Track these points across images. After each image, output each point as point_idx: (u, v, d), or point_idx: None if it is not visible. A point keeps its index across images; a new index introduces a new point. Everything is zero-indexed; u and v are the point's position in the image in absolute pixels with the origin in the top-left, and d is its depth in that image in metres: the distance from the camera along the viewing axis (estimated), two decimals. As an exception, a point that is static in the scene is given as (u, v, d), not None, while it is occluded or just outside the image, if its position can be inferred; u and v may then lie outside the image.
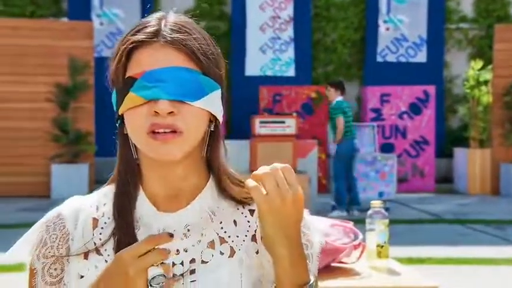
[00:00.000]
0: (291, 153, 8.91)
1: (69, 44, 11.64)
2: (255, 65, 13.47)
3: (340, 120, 9.15)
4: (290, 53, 13.66)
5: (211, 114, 1.12)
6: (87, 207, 1.17)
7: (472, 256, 6.86)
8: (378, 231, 2.43)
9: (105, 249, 1.13)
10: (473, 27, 14.44)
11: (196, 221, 1.13)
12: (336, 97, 9.38)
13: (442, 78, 14.09)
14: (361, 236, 2.39)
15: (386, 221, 2.46)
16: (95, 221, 1.15)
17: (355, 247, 2.35)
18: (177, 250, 1.12)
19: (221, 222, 1.14)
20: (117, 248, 1.10)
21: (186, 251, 1.11)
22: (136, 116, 1.08)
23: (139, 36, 1.10)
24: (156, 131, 1.07)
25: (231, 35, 13.56)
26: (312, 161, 10.09)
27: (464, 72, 13.31)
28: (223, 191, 1.15)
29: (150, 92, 1.07)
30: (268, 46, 13.59)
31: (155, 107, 1.06)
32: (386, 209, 10.00)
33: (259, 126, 9.01)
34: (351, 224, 2.42)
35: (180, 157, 1.09)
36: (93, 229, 1.14)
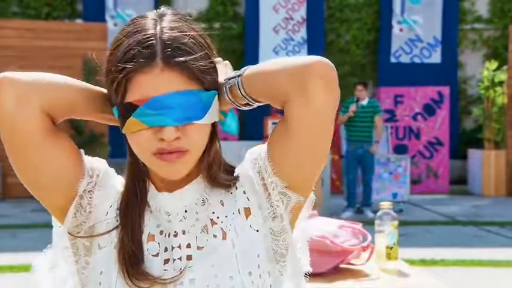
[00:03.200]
0: (303, 155, 8.89)
1: (83, 45, 11.71)
2: (268, 66, 13.47)
3: (381, 119, 9.41)
4: (303, 54, 13.63)
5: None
6: (118, 188, 1.20)
7: (486, 258, 6.81)
8: (387, 232, 2.42)
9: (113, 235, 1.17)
10: (488, 27, 14.35)
11: (192, 203, 1.15)
12: (366, 96, 9.42)
13: (457, 79, 14.02)
14: (369, 238, 2.38)
15: (396, 222, 2.45)
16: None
17: (364, 249, 2.35)
18: (176, 232, 1.14)
19: (211, 207, 1.16)
20: (120, 246, 1.13)
21: (184, 234, 1.14)
22: (140, 139, 1.08)
23: (135, 63, 1.06)
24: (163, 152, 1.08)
25: (245, 36, 13.58)
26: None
27: (479, 73, 13.23)
28: (212, 180, 1.16)
29: (154, 118, 1.06)
30: (281, 47, 13.58)
31: (161, 135, 1.06)
32: (400, 211, 9.89)
33: (272, 127, 9.00)
34: (359, 226, 2.41)
35: (185, 174, 1.12)
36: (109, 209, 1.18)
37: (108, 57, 1.11)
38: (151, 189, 1.16)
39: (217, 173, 1.16)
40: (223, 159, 1.19)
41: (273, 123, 9.07)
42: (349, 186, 9.45)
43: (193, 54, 1.07)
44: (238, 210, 1.16)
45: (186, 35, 1.08)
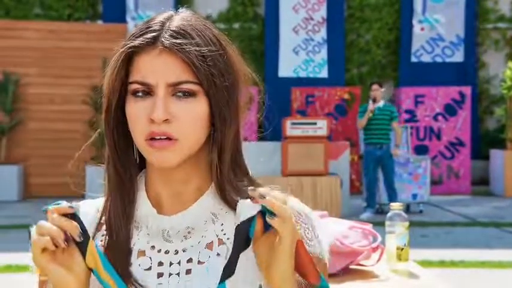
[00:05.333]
0: (322, 155, 8.86)
1: (104, 46, 11.80)
2: (288, 66, 13.46)
3: (398, 123, 9.51)
4: (323, 54, 13.61)
5: (212, 117, 1.11)
6: (93, 211, 1.18)
7: (507, 260, 6.74)
8: (397, 233, 2.40)
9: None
10: (511, 27, 14.20)
11: (198, 224, 1.13)
12: (381, 96, 9.39)
13: (479, 79, 13.89)
14: (379, 239, 2.36)
15: (407, 223, 2.43)
16: (100, 225, 1.16)
17: (374, 250, 2.33)
18: (176, 250, 1.12)
19: (222, 224, 1.13)
20: (108, 251, 1.12)
21: (184, 251, 1.12)
22: (137, 124, 1.09)
23: (138, 42, 1.09)
24: (153, 137, 1.08)
25: (265, 36, 13.58)
26: (344, 162, 10.01)
27: (502, 73, 13.10)
28: (223, 197, 1.13)
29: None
30: (301, 47, 13.56)
31: (151, 115, 1.07)
32: (420, 211, 9.80)
33: (290, 128, 8.98)
34: (370, 226, 2.39)
35: (176, 164, 1.10)
36: (96, 233, 1.15)
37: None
38: (150, 209, 1.14)
39: (227, 189, 1.12)
40: (234, 179, 1.13)
41: (292, 124, 9.04)
42: (369, 187, 9.41)
43: (194, 40, 1.08)
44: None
45: (193, 27, 1.10)
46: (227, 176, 1.12)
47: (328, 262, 1.17)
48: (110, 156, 1.15)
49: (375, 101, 9.23)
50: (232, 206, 1.11)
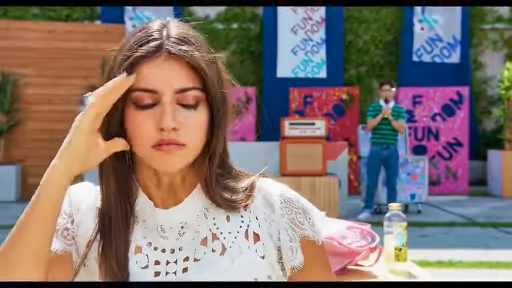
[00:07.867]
0: (320, 155, 8.87)
1: (102, 47, 11.78)
2: (286, 66, 13.45)
3: (403, 124, 9.25)
4: (322, 54, 13.61)
5: (212, 123, 1.14)
6: (93, 195, 1.19)
7: (505, 260, 6.75)
8: (395, 234, 2.40)
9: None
10: (509, 27, 14.21)
11: (190, 218, 1.15)
12: (393, 96, 9.26)
13: (477, 79, 13.90)
14: (378, 239, 2.36)
15: (405, 223, 2.43)
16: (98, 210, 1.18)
17: (372, 250, 2.33)
18: (172, 249, 1.14)
19: (214, 218, 1.16)
20: (102, 250, 1.13)
21: (180, 250, 1.14)
22: (143, 132, 1.09)
23: (143, 51, 1.09)
24: (161, 144, 1.09)
25: (263, 36, 13.58)
26: (342, 162, 10.01)
27: (500, 74, 13.12)
28: (211, 197, 1.16)
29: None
30: (300, 48, 13.56)
31: (161, 124, 1.08)
32: (418, 212, 9.77)
33: (289, 128, 8.99)
34: (368, 227, 2.39)
35: (179, 169, 1.11)
36: (96, 219, 1.16)
37: (114, 56, 1.14)
38: (147, 201, 1.16)
39: (214, 187, 1.15)
40: (222, 180, 1.17)
41: (290, 124, 9.04)
42: (370, 187, 9.36)
43: (196, 46, 1.11)
44: (247, 231, 1.15)
45: (191, 35, 1.13)
46: (215, 177, 1.15)
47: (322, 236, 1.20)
48: (109, 163, 1.15)
49: (386, 101, 9.15)
50: (219, 204, 1.14)
